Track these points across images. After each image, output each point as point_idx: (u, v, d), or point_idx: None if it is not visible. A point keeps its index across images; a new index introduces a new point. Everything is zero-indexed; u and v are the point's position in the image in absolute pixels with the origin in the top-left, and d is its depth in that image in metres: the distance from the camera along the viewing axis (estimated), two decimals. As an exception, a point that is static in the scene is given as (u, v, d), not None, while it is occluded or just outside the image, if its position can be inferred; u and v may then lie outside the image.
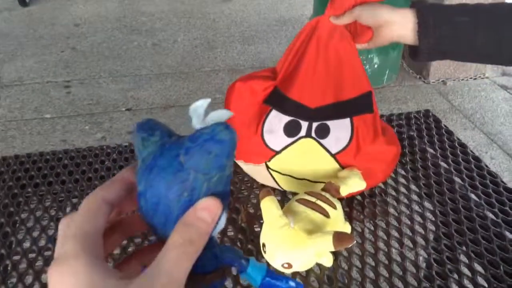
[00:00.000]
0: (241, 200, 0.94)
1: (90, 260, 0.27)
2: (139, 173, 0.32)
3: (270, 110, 0.88)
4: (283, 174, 0.91)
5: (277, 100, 0.88)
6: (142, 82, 3.04)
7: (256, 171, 0.95)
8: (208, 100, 0.32)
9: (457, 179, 0.99)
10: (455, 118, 2.71)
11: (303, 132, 0.87)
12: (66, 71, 3.16)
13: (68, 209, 0.92)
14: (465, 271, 0.79)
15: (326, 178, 0.88)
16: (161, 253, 0.29)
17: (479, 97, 2.91)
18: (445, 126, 1.17)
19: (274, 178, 0.93)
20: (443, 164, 1.04)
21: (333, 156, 0.87)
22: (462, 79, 3.08)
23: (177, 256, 0.29)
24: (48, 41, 3.59)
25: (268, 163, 0.90)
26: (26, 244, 0.84)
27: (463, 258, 0.82)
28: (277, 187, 0.95)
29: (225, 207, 0.32)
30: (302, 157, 0.88)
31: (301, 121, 0.87)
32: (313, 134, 0.87)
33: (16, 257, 0.82)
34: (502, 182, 0.98)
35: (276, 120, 0.88)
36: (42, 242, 0.85)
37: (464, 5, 0.79)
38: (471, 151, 1.07)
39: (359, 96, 0.87)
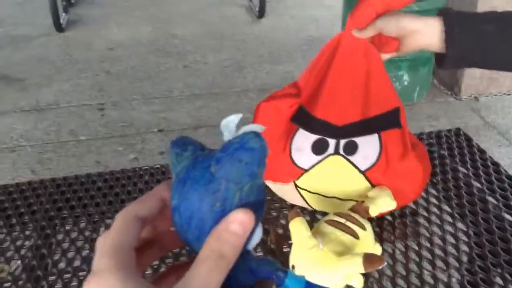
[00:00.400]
0: (270, 221, 0.94)
1: (124, 274, 0.28)
2: (173, 187, 0.32)
3: (298, 129, 0.89)
4: (312, 193, 0.91)
5: (303, 119, 0.88)
6: (173, 104, 3.10)
7: (284, 191, 0.96)
8: (240, 115, 0.33)
9: (490, 199, 0.97)
10: (489, 134, 2.65)
11: (331, 149, 0.87)
12: (100, 94, 3.25)
13: (101, 229, 0.95)
14: (500, 293, 0.77)
15: (356, 196, 0.88)
16: (192, 267, 0.29)
17: (513, 113, 2.85)
18: (477, 144, 1.15)
19: (303, 197, 0.93)
20: (475, 183, 1.02)
21: (363, 173, 0.87)
22: (495, 95, 3.02)
23: (208, 270, 0.28)
24: (83, 65, 3.71)
25: (296, 182, 0.91)
26: (62, 265, 0.87)
27: (498, 280, 0.80)
28: (306, 206, 0.95)
29: (259, 218, 0.32)
30: (331, 174, 0.89)
31: (328, 139, 0.87)
32: (341, 151, 0.87)
33: (52, 278, 0.85)
34: (537, 201, 0.96)
35: (304, 138, 0.88)
36: (76, 263, 0.87)
37: (491, 12, 0.79)
38: (505, 170, 1.05)
39: (387, 112, 0.87)
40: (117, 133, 2.80)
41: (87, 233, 0.94)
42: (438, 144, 1.16)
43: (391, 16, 0.82)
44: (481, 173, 1.05)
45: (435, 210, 0.95)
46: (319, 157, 0.88)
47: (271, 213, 0.97)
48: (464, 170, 1.06)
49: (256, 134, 0.31)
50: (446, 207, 0.96)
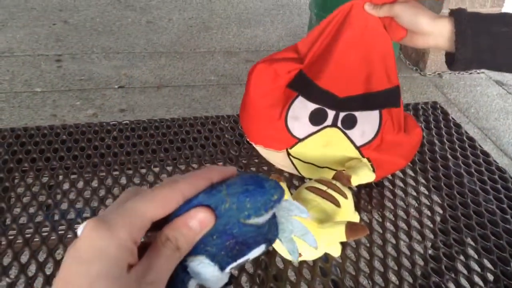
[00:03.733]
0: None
1: (121, 246, 0.29)
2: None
3: (296, 96, 0.85)
4: (305, 162, 0.88)
5: (303, 85, 0.85)
6: (135, 60, 2.98)
7: (275, 156, 0.92)
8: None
9: (465, 173, 0.97)
10: (450, 112, 2.69)
11: (329, 121, 0.85)
12: (57, 45, 3.08)
13: (66, 185, 0.89)
14: (475, 266, 0.77)
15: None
16: (151, 252, 0.31)
17: (474, 91, 2.91)
18: (452, 118, 1.15)
19: (294, 165, 0.90)
20: (451, 158, 1.02)
21: (357, 148, 0.85)
22: (458, 73, 3.07)
23: (165, 258, 0.31)
24: (39, 12, 3.50)
25: (289, 150, 0.88)
26: (23, 220, 0.81)
27: (472, 253, 0.80)
28: (296, 173, 0.92)
29: (226, 266, 0.33)
30: (326, 146, 0.86)
31: (328, 110, 0.84)
32: (339, 124, 0.85)
33: (12, 233, 0.79)
34: (511, 178, 0.97)
35: (302, 106, 0.85)
36: (39, 218, 0.81)
37: (504, 14, 0.77)
38: (480, 145, 1.06)
39: (388, 89, 0.84)
40: (75, 87, 2.67)
41: (50, 188, 0.88)
42: (415, 116, 1.15)
43: (411, 7, 0.78)
44: (457, 147, 1.05)
45: (411, 182, 0.95)
46: (316, 128, 0.85)
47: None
48: (440, 144, 1.06)
49: (277, 184, 0.33)
50: (422, 180, 0.96)
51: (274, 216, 0.35)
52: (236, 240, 0.33)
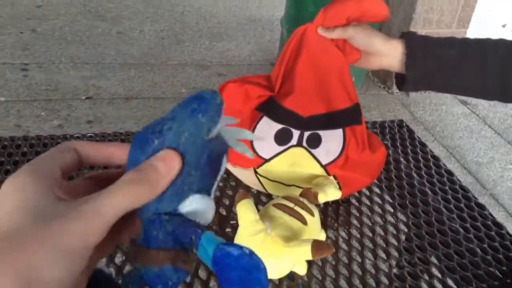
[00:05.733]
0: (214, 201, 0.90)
1: (38, 178, 0.28)
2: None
3: (261, 117, 0.85)
4: (272, 180, 0.88)
5: (270, 108, 0.85)
6: (104, 71, 2.94)
7: (243, 174, 0.92)
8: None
9: (429, 192, 0.99)
10: (416, 129, 2.75)
11: (294, 141, 0.85)
12: (24, 53, 3.01)
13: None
14: (439, 286, 0.78)
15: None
16: (108, 187, 0.29)
17: (440, 110, 2.98)
18: (418, 137, 1.17)
19: (261, 183, 0.90)
20: (416, 176, 1.03)
21: (323, 166, 0.86)
22: (424, 92, 3.14)
23: (118, 192, 0.29)
24: (6, 20, 3.42)
25: (256, 169, 0.87)
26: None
27: (436, 272, 0.81)
28: (263, 190, 0.92)
29: (207, 186, 0.33)
30: (292, 165, 0.86)
31: (292, 130, 0.84)
32: (304, 144, 0.85)
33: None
34: (474, 197, 0.98)
35: (266, 127, 0.84)
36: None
37: (452, 38, 0.80)
38: (444, 164, 1.07)
39: (348, 108, 0.85)
40: (40, 97, 2.60)
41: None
42: (382, 133, 1.17)
43: (364, 30, 0.80)
44: (422, 165, 1.06)
45: (377, 199, 0.95)
46: (281, 148, 0.85)
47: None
48: (405, 162, 1.08)
49: (214, 91, 0.33)
50: (387, 197, 0.96)
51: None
52: (209, 160, 0.33)
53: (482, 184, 2.36)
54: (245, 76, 0.90)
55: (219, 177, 0.34)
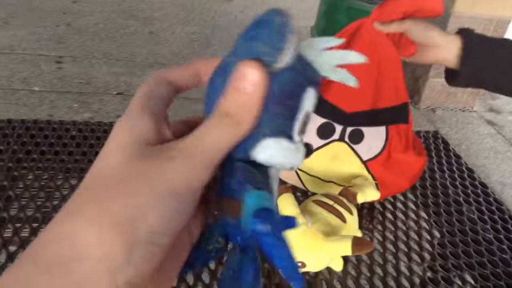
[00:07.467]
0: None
1: (150, 116, 0.26)
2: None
3: None
4: (310, 175, 0.90)
5: None
6: (135, 69, 2.99)
7: None
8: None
9: (464, 202, 1.00)
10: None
11: (336, 135, 0.86)
12: (59, 46, 3.09)
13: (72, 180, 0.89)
14: (472, 292, 0.79)
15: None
16: (200, 126, 0.26)
17: (466, 128, 2.97)
18: (453, 149, 1.18)
19: (300, 178, 0.91)
20: (450, 186, 1.04)
21: (364, 162, 0.87)
22: (451, 110, 3.13)
23: (217, 130, 0.25)
24: (43, 13, 3.51)
25: None
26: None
27: (469, 279, 0.82)
28: (301, 186, 0.93)
29: (290, 131, 0.28)
30: (332, 160, 0.87)
31: (335, 124, 0.86)
32: (346, 139, 0.86)
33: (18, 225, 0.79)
34: (508, 210, 0.99)
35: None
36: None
37: (506, 39, 0.81)
38: (478, 177, 1.08)
39: (395, 106, 0.87)
40: (73, 89, 2.67)
41: (58, 182, 0.88)
42: (417, 143, 1.18)
43: (421, 23, 0.82)
44: (457, 176, 1.08)
45: (412, 205, 0.96)
46: (323, 141, 0.87)
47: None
48: (440, 172, 1.09)
49: (274, 9, 0.27)
50: (422, 204, 0.97)
51: (302, 58, 0.29)
52: (280, 96, 0.27)
53: (506, 205, 2.34)
54: None
55: (300, 117, 0.28)
